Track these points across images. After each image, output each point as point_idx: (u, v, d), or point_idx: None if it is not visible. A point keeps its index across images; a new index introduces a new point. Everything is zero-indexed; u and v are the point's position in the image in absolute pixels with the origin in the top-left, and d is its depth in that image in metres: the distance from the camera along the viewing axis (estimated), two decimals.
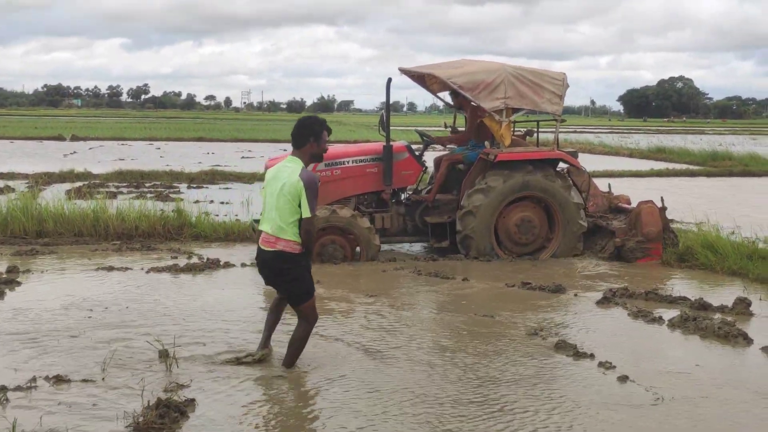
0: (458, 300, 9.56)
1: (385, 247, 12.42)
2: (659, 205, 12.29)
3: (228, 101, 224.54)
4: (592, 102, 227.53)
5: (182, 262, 11.24)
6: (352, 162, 12.30)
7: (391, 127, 12.36)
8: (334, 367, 6.92)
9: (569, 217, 12.14)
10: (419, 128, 13.47)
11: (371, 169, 12.33)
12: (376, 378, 6.67)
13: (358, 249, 11.74)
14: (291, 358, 6.85)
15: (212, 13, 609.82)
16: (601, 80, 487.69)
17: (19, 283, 9.79)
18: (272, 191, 6.63)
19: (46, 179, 21.14)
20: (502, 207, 12.01)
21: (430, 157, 13.58)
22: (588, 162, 31.75)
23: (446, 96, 13.63)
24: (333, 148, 13.57)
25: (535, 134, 13.31)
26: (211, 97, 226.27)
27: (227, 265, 11.14)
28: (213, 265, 11.03)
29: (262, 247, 6.70)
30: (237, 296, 9.52)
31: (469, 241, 11.99)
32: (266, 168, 12.26)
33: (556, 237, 12.26)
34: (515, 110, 12.17)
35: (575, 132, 65.41)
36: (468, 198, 12.01)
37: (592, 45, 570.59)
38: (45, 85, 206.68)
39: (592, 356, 7.29)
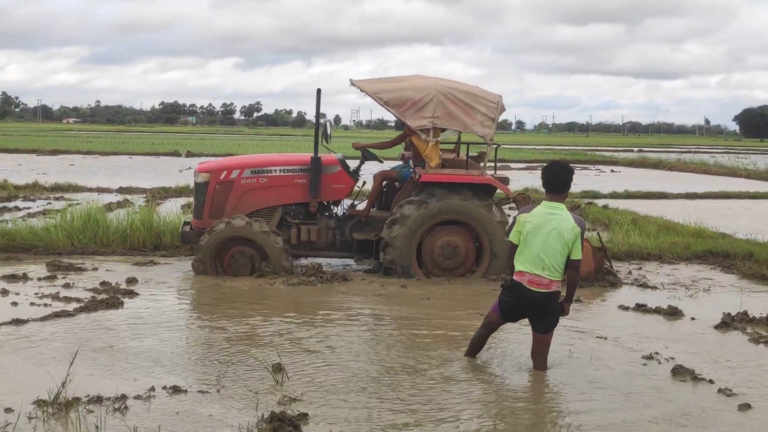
0: (570, 321, 9.40)
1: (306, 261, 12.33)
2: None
3: (337, 119, 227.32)
4: (707, 121, 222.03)
5: (297, 275, 11.31)
6: (280, 171, 12.06)
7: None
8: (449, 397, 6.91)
9: (493, 236, 11.52)
10: (360, 143, 12.94)
11: (299, 179, 12.04)
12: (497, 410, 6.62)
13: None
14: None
15: (321, 34, 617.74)
16: (714, 100, 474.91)
17: (137, 294, 10.08)
18: (542, 237, 7.01)
19: (163, 194, 21.73)
20: (430, 224, 11.49)
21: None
22: (703, 183, 31.09)
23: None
24: (262, 156, 13.43)
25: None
26: (321, 115, 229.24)
27: (343, 279, 11.25)
28: (329, 279, 11.14)
29: (531, 288, 7.09)
30: (352, 308, 9.57)
31: (389, 249, 11.53)
32: (197, 171, 12.14)
33: (484, 260, 11.64)
34: (444, 130, 11.84)
35: (689, 152, 63.82)
36: (400, 208, 11.61)
37: (701, 64, 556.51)
38: (162, 103, 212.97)
39: (711, 382, 7.07)
